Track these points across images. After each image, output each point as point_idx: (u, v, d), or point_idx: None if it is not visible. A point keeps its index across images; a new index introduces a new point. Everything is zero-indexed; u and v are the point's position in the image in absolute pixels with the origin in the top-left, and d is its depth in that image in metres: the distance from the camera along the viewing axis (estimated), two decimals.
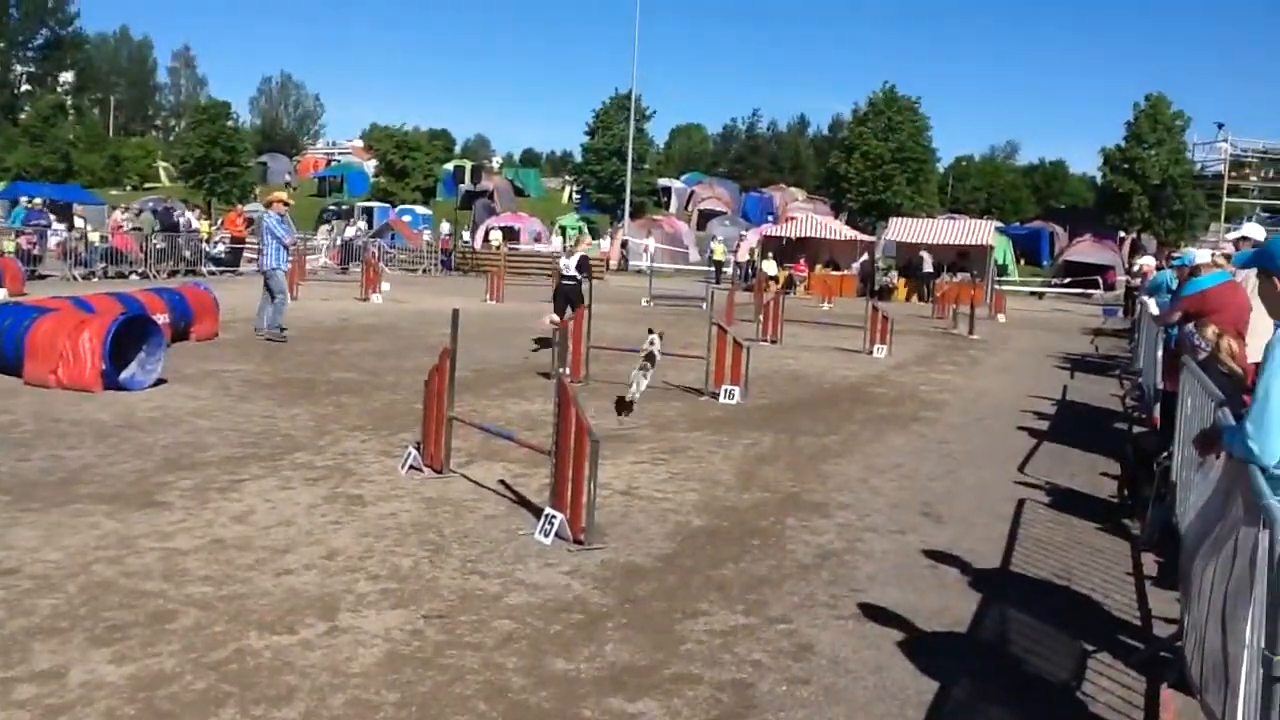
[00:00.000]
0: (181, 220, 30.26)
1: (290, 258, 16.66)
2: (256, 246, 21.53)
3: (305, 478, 7.43)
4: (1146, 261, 16.58)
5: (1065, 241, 50.09)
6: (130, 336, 10.77)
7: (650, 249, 43.34)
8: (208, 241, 30.81)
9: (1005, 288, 36.76)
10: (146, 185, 69.85)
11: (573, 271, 15.21)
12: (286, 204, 16.78)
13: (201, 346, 13.96)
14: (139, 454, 7.88)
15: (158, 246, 27.33)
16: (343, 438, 8.83)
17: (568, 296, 14.90)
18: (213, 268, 29.04)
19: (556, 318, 14.20)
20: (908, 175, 55.40)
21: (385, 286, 24.81)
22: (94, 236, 27.02)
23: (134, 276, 25.32)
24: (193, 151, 55.66)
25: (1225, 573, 3.34)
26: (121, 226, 30.20)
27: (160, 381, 10.77)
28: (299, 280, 23.90)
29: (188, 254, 28.54)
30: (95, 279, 23.88)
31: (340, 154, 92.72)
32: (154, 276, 25.52)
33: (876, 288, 34.30)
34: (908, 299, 35.60)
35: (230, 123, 57.17)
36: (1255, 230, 8.44)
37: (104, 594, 5.02)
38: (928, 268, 36.02)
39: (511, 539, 6.20)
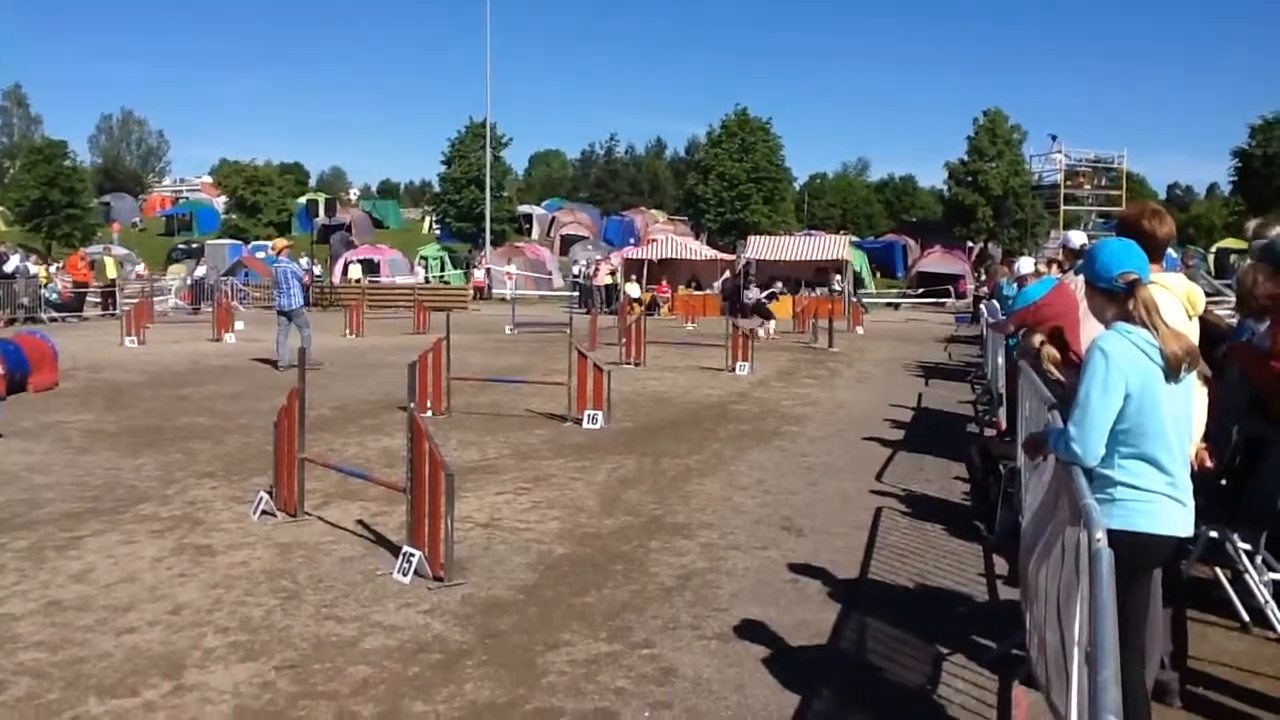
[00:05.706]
0: (12, 266, 28.68)
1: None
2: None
3: (150, 530, 7.12)
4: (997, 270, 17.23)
5: (917, 253, 51.77)
6: None
7: (513, 276, 43.15)
8: (46, 287, 29.43)
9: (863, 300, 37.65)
10: None
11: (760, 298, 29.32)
12: (290, 245, 19.30)
13: (40, 398, 13.31)
14: None
15: None
16: (191, 486, 8.50)
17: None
18: (54, 314, 27.79)
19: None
20: (764, 194, 56.51)
21: (239, 326, 24.11)
22: None
23: None
24: (28, 194, 53.07)
25: (1057, 572, 3.46)
26: None
27: None
28: (147, 323, 23.03)
29: (25, 301, 27.26)
30: None
31: (189, 191, 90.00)
32: None
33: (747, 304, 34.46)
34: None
35: (68, 162, 54.76)
36: (1076, 237, 8.83)
37: None
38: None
39: (369, 580, 6.05)
